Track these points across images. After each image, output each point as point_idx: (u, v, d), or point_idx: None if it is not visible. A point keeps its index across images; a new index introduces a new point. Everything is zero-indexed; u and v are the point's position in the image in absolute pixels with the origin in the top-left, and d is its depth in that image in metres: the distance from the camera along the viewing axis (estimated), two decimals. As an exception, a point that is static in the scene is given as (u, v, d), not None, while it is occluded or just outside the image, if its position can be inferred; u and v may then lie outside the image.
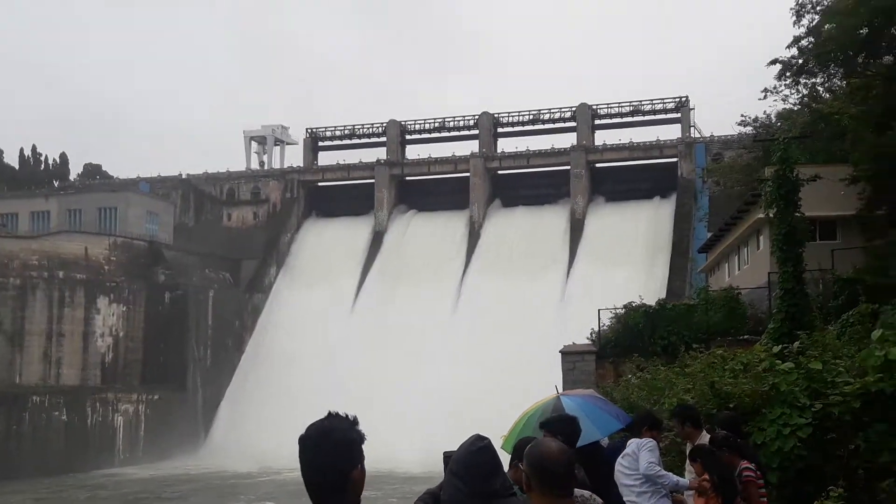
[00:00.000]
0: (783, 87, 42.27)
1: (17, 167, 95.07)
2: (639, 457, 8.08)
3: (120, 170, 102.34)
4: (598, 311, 31.03)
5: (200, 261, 73.70)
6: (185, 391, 68.62)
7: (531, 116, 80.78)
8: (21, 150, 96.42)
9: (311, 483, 3.40)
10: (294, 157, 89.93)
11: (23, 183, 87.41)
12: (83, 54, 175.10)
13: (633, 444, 8.29)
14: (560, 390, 11.37)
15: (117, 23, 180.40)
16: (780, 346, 12.34)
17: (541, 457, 4.02)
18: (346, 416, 3.59)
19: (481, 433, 4.66)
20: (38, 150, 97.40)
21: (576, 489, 5.83)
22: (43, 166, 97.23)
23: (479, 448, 4.35)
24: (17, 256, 63.14)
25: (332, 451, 3.38)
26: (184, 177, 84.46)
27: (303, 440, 3.45)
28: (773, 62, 40.95)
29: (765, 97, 44.04)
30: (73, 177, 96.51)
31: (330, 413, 3.62)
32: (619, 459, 8.27)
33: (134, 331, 66.37)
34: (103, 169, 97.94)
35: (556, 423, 7.59)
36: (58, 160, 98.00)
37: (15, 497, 49.95)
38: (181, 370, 68.64)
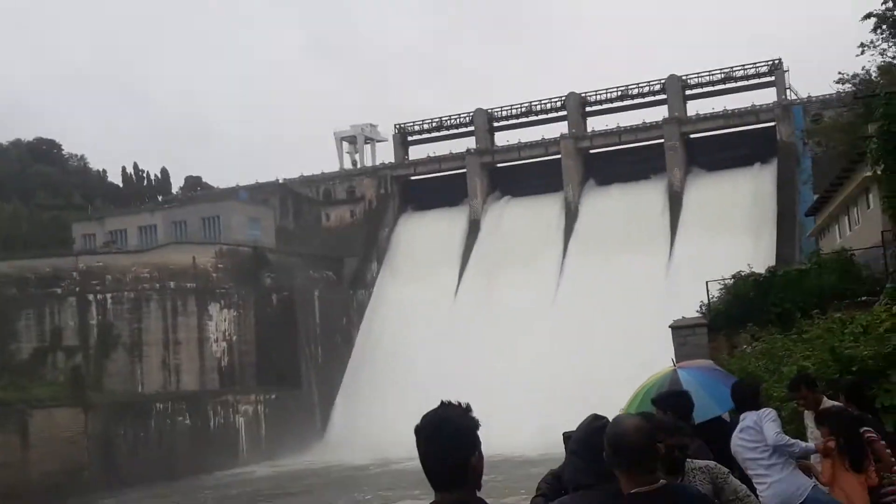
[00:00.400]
0: (880, 41, 40.76)
1: (121, 185, 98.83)
2: (763, 428, 7.84)
3: (219, 180, 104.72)
4: (707, 283, 30.58)
5: (303, 262, 75.22)
6: (300, 389, 70.22)
7: (619, 93, 79.72)
8: (123, 168, 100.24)
9: (432, 471, 3.49)
10: (385, 153, 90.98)
11: (128, 199, 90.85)
12: (166, 71, 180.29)
13: (750, 416, 8.01)
14: (676, 363, 11.33)
15: (190, 36, 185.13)
16: (903, 306, 12.00)
17: (616, 435, 4.01)
18: (460, 403, 3.65)
19: (598, 413, 4.72)
20: (139, 167, 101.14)
21: (696, 460, 5.85)
22: (146, 182, 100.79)
23: (597, 427, 4.39)
24: (129, 271, 65.75)
25: (449, 439, 3.46)
26: (280, 181, 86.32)
27: (419, 430, 3.54)
28: (868, 16, 39.43)
29: (862, 53, 42.47)
30: (175, 190, 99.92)
31: (443, 402, 3.69)
32: (738, 433, 8.02)
33: (246, 334, 68.26)
34: (203, 181, 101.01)
35: (667, 398, 7.55)
36: (159, 175, 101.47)
37: (149, 502, 52.07)
38: (294, 369, 70.24)
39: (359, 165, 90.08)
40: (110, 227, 79.77)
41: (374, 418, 64.70)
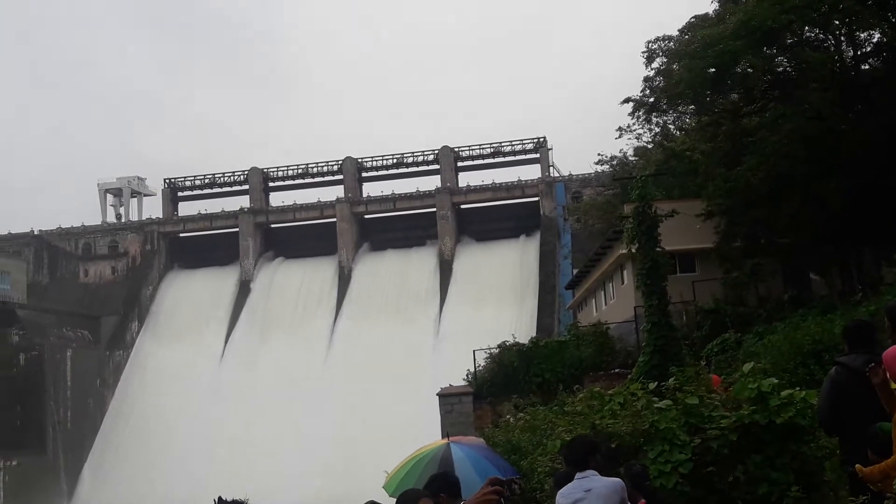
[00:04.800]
0: (636, 125, 44.00)
1: None
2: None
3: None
4: (474, 351, 31.22)
5: (57, 319, 70.50)
6: (45, 455, 65.19)
7: (395, 160, 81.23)
8: None
9: None
10: (153, 208, 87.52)
11: None
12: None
13: (613, 482, 7.31)
14: (450, 437, 11.32)
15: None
16: (657, 383, 12.60)
17: None
18: (235, 501, 3.40)
19: (374, 500, 4.52)
20: None
21: None
22: None
23: None
24: None
25: None
26: (36, 233, 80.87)
27: None
28: (626, 101, 42.51)
29: (620, 136, 45.78)
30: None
31: (220, 499, 3.44)
32: (587, 494, 7.19)
33: (-13, 395, 62.75)
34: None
35: (433, 481, 7.34)
36: None
37: None
38: (40, 434, 65.28)
39: (124, 219, 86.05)
40: None
41: (126, 486, 61.27)
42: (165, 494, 57.36)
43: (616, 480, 7.44)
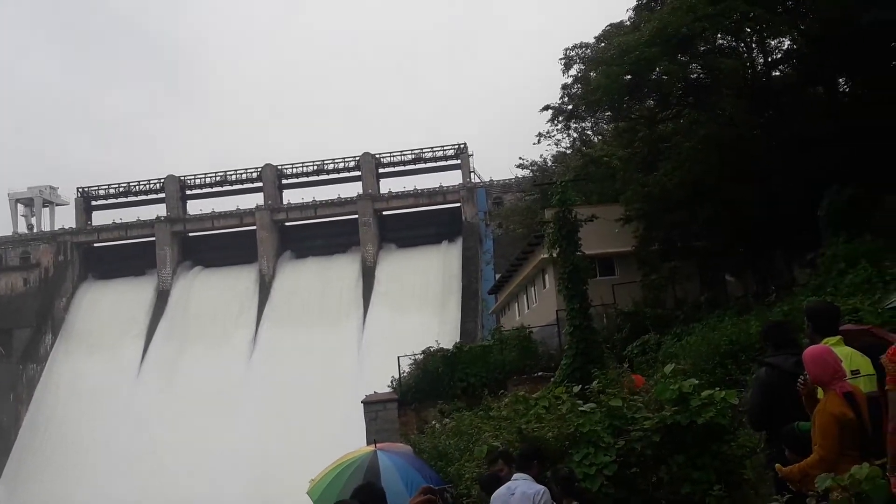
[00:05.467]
0: (556, 132, 44.48)
1: None
2: None
3: None
4: (398, 357, 31.17)
5: (-35, 334, 68.10)
6: (-47, 477, 62.89)
7: (315, 167, 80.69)
8: None
9: None
10: (66, 218, 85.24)
11: None
12: None
13: (535, 491, 7.76)
14: (376, 444, 11.29)
15: None
16: (581, 387, 12.74)
17: None
18: None
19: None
20: None
21: None
22: None
23: None
24: None
25: None
26: (-58, 244, 78.06)
27: None
28: (546, 108, 42.92)
29: (539, 142, 46.27)
30: None
31: None
32: (510, 497, 7.74)
33: None
34: None
35: (360, 490, 7.36)
36: None
37: None
38: (-53, 453, 62.95)
39: (35, 230, 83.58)
40: None
41: (42, 503, 59.38)
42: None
43: (540, 488, 7.86)
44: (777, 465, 6.00)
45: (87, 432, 63.50)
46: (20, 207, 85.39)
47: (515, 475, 8.05)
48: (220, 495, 53.36)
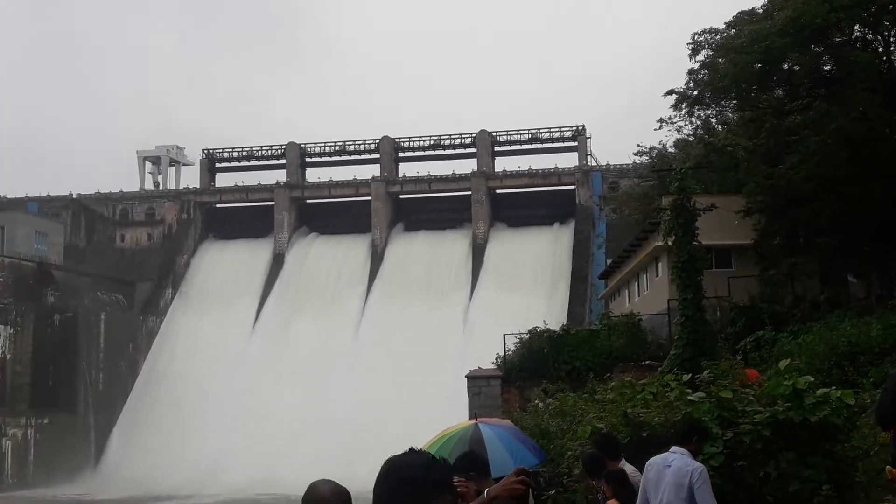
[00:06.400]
0: (678, 118, 43.59)
1: None
2: (697, 489, 7.52)
3: (7, 189, 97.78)
4: (504, 335, 31.33)
5: (92, 282, 71.37)
6: (76, 415, 66.30)
7: (432, 142, 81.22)
8: None
9: None
10: (190, 177, 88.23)
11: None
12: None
13: (692, 468, 7.66)
14: (478, 418, 11.42)
15: None
16: (690, 375, 12.64)
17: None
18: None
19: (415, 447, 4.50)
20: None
21: None
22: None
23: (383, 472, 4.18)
24: None
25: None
26: (74, 196, 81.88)
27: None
28: (670, 92, 42.00)
29: (660, 127, 45.34)
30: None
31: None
32: (665, 469, 7.69)
33: (22, 353, 63.72)
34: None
35: (462, 459, 7.50)
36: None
37: None
38: (72, 394, 66.34)
39: (161, 187, 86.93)
40: None
41: (153, 451, 62.02)
42: (192, 459, 58.06)
43: (697, 465, 7.70)
44: (888, 467, 5.89)
45: (199, 387, 65.75)
46: (148, 165, 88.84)
47: (673, 448, 7.87)
48: (318, 462, 54.36)
